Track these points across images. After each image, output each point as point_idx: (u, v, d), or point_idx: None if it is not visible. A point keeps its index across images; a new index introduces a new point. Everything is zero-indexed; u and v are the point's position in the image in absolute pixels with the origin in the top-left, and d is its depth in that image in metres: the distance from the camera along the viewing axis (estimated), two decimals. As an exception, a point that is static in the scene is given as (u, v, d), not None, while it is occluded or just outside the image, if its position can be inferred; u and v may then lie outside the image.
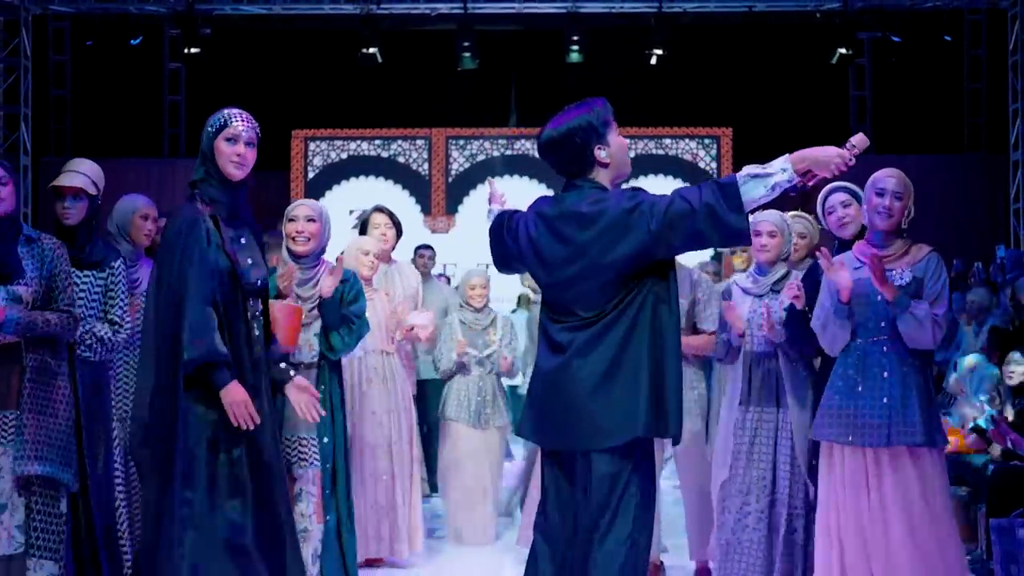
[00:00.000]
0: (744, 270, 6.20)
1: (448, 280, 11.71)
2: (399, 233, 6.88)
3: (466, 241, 13.57)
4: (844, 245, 5.12)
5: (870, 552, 4.58)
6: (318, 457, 5.06)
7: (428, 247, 9.54)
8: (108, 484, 4.88)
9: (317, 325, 5.15)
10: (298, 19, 14.85)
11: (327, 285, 5.11)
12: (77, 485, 4.46)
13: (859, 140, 3.72)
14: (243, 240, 4.19)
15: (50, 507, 4.35)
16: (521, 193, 13.56)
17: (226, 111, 4.21)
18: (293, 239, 5.09)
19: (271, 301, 4.42)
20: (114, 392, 5.20)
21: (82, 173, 4.94)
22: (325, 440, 5.03)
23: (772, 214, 5.34)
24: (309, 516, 4.96)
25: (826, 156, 3.67)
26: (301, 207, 5.20)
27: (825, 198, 5.21)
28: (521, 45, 15.42)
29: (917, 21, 15.03)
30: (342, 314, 5.17)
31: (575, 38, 14.30)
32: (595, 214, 3.82)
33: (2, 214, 4.36)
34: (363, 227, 6.81)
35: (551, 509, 3.96)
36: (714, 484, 5.40)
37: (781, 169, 3.67)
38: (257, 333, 4.20)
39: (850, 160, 3.68)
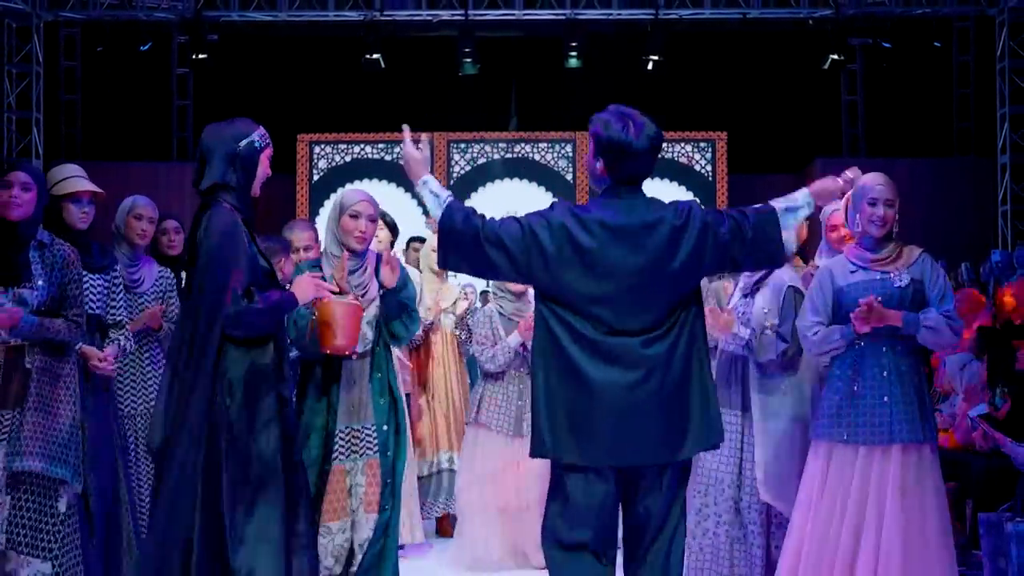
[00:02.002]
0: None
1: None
2: (394, 233, 6.83)
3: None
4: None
5: (848, 553, 4.54)
6: (372, 447, 4.83)
7: (421, 239, 8.58)
8: (113, 481, 4.83)
9: (368, 314, 4.83)
10: (303, 26, 14.95)
11: (389, 278, 4.89)
12: (80, 483, 4.41)
13: (853, 172, 4.27)
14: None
15: (43, 506, 4.29)
16: (521, 195, 13.62)
17: (263, 131, 4.15)
18: (357, 238, 4.87)
19: (333, 300, 4.46)
20: (121, 389, 5.23)
21: (86, 178, 4.87)
22: (384, 428, 4.83)
23: None
24: (357, 507, 4.76)
25: (834, 188, 4.17)
26: (365, 204, 4.89)
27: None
28: (521, 51, 15.48)
29: (907, 28, 15.16)
30: (398, 300, 4.94)
31: (573, 44, 14.41)
32: (683, 224, 3.91)
33: (19, 218, 4.36)
34: None
35: (593, 520, 3.97)
36: None
37: (806, 204, 4.08)
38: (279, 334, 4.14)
39: (847, 191, 4.32)
